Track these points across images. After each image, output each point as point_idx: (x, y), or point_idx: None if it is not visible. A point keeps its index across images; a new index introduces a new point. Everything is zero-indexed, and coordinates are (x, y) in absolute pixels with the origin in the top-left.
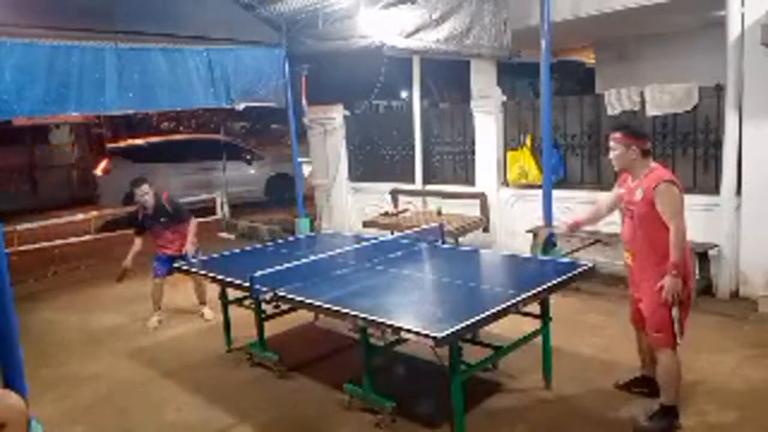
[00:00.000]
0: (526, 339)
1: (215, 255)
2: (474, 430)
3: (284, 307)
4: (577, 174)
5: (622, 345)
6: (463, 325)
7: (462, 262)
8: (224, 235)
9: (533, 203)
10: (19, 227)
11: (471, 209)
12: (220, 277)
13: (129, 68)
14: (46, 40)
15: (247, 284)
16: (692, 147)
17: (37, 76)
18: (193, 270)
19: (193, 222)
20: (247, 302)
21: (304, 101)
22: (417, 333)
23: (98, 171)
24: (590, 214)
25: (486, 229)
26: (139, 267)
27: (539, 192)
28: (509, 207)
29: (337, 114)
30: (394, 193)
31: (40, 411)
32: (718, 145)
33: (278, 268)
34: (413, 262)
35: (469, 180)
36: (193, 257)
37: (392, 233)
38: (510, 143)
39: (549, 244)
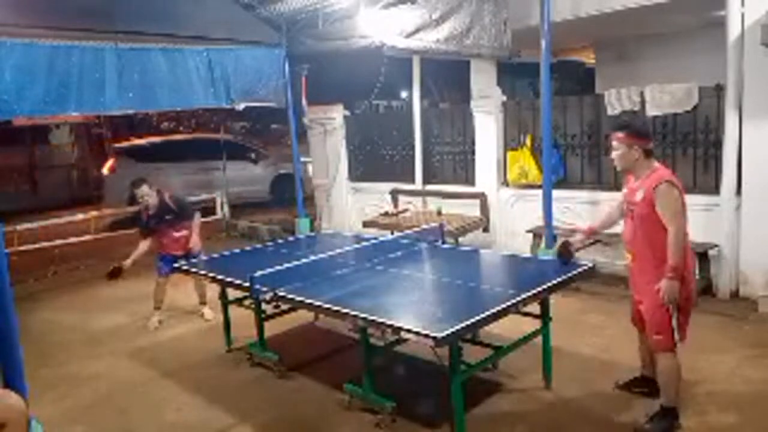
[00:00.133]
0: (526, 339)
1: (215, 255)
2: (474, 430)
3: (284, 307)
4: (577, 174)
5: (622, 345)
6: (463, 325)
7: (462, 262)
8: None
9: (533, 203)
10: (19, 227)
11: (471, 209)
12: (220, 277)
13: (129, 68)
14: (46, 40)
15: (247, 284)
16: (692, 147)
17: (37, 76)
18: (193, 270)
19: (198, 217)
20: (247, 302)
21: (304, 101)
22: (417, 333)
23: (104, 170)
24: (604, 218)
25: (486, 229)
26: (139, 266)
27: (539, 192)
28: (509, 207)
29: (337, 114)
30: (394, 193)
31: (40, 411)
32: (718, 145)
33: (278, 268)
34: (413, 262)
35: (469, 180)
36: (195, 257)
37: (392, 233)
38: (510, 143)
39: (568, 255)
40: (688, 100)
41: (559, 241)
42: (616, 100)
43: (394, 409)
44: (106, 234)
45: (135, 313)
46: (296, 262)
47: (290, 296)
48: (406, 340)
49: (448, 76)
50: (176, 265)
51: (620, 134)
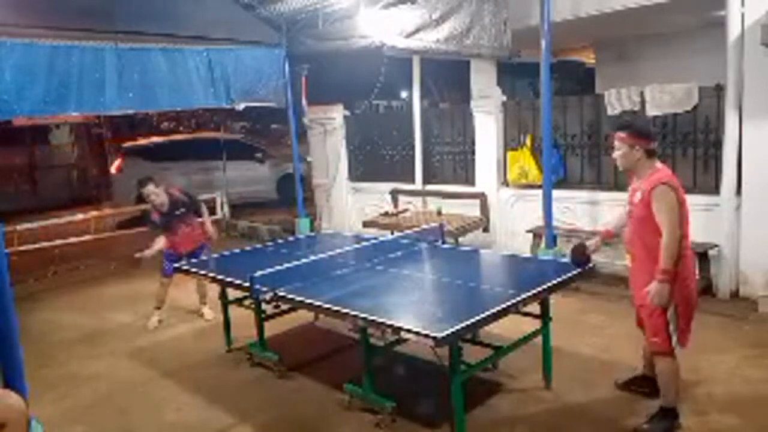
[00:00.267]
0: (526, 339)
1: (215, 255)
2: (474, 430)
3: (284, 307)
4: (577, 174)
5: (622, 345)
6: (463, 325)
7: (462, 262)
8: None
9: (533, 203)
10: (19, 227)
11: (471, 209)
12: (220, 277)
13: (129, 68)
14: (46, 40)
15: (247, 284)
16: (692, 147)
17: (37, 76)
18: (194, 270)
19: (205, 209)
20: (247, 302)
21: (304, 101)
22: (417, 333)
23: (112, 169)
24: (617, 220)
25: (486, 229)
26: (140, 266)
27: (539, 192)
28: (509, 207)
29: (337, 114)
30: (394, 193)
31: (40, 411)
32: (718, 145)
33: (278, 268)
34: (413, 262)
35: (469, 180)
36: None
37: (392, 233)
38: (510, 143)
39: (583, 258)
40: (688, 100)
41: (573, 243)
42: (616, 100)
43: (394, 409)
44: (107, 234)
45: (135, 313)
46: (296, 262)
47: (290, 296)
48: (406, 340)
49: (448, 76)
50: (176, 265)
51: (622, 134)
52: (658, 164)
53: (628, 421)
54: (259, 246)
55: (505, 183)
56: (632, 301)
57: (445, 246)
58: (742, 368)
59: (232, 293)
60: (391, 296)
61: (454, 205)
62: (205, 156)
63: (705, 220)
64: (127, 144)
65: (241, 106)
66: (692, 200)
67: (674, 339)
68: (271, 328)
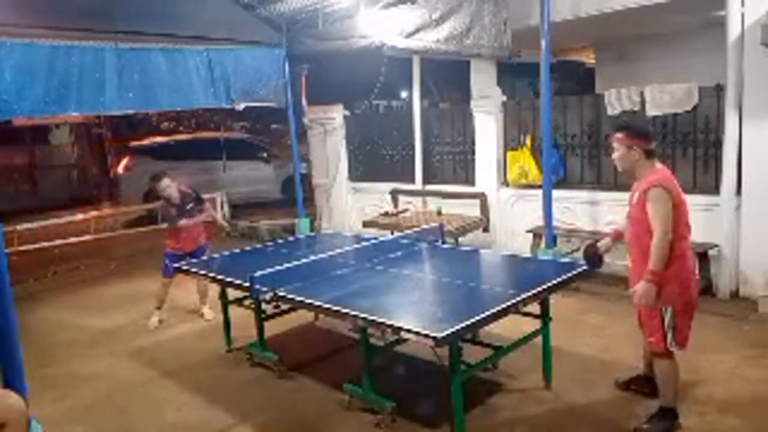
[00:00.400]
0: (526, 339)
1: (215, 255)
2: (474, 430)
3: (284, 307)
4: (577, 174)
5: (622, 345)
6: (463, 325)
7: (462, 262)
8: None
9: (533, 203)
10: (19, 227)
11: (471, 209)
12: (220, 277)
13: (129, 68)
14: (46, 40)
15: (247, 284)
16: (692, 147)
17: (37, 76)
18: (194, 270)
19: (209, 204)
20: (247, 302)
21: (304, 101)
22: (417, 333)
23: (120, 169)
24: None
25: (486, 229)
26: (140, 266)
27: (539, 192)
28: (509, 207)
29: (337, 114)
30: (394, 193)
31: (40, 411)
32: (718, 145)
33: (278, 268)
34: (413, 262)
35: (469, 180)
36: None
37: (392, 233)
38: (510, 143)
39: (596, 258)
40: (688, 100)
41: (585, 244)
42: (616, 100)
43: (394, 409)
44: (107, 234)
45: (135, 313)
46: (296, 262)
47: (290, 296)
48: (406, 340)
49: (448, 76)
50: (176, 265)
51: (620, 135)
52: (658, 165)
53: (628, 421)
54: (259, 246)
55: (505, 183)
56: (632, 300)
57: (445, 246)
58: (742, 368)
59: (232, 293)
60: (391, 296)
61: (454, 205)
62: (210, 156)
63: (705, 220)
64: (134, 143)
65: (241, 106)
66: (692, 200)
67: (670, 340)
68: (271, 328)
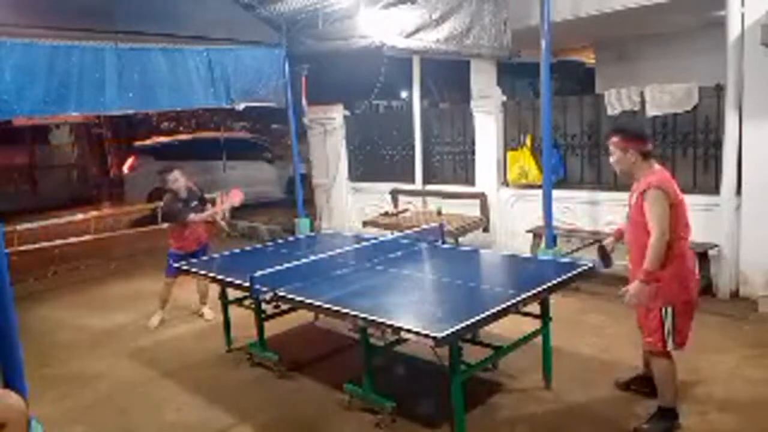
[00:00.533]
0: (526, 339)
1: (215, 255)
2: (474, 430)
3: (284, 307)
4: (577, 174)
5: (622, 345)
6: (463, 325)
7: (462, 262)
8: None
9: (533, 203)
10: (19, 227)
11: (471, 209)
12: (220, 277)
13: (129, 68)
14: (46, 40)
15: (247, 284)
16: (692, 147)
17: (37, 76)
18: (194, 270)
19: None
20: (247, 302)
21: (304, 101)
22: (417, 333)
23: (125, 168)
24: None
25: (486, 229)
26: (140, 266)
27: (539, 192)
28: (509, 207)
29: (337, 114)
30: (394, 193)
31: (40, 411)
32: (718, 145)
33: (278, 268)
34: (413, 262)
35: (469, 180)
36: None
37: (392, 233)
38: (510, 143)
39: (607, 258)
40: (688, 100)
41: (597, 245)
42: (616, 100)
43: (394, 409)
44: (107, 234)
45: (135, 313)
46: (296, 262)
47: (290, 296)
48: (406, 340)
49: (448, 76)
50: (176, 265)
51: (615, 139)
52: (656, 166)
53: (628, 421)
54: (259, 246)
55: (505, 183)
56: (624, 300)
57: (445, 246)
58: (742, 368)
59: (232, 293)
60: (391, 296)
61: (454, 205)
62: (214, 156)
63: (705, 220)
64: (139, 144)
65: (241, 106)
66: (692, 200)
67: (669, 340)
68: (271, 328)
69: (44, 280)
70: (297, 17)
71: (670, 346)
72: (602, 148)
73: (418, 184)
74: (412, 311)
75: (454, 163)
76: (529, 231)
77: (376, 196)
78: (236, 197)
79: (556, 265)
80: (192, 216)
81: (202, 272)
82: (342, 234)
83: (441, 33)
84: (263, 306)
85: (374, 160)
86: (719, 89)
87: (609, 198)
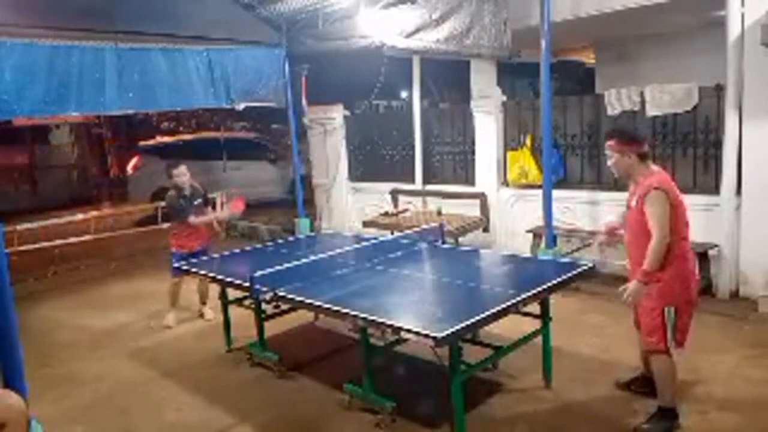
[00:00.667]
0: (526, 339)
1: (215, 255)
2: (474, 430)
3: (284, 307)
4: (577, 174)
5: (622, 345)
6: (463, 325)
7: (462, 262)
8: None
9: (533, 203)
10: (19, 227)
11: (471, 209)
12: (220, 277)
13: (129, 68)
14: (46, 40)
15: (247, 284)
16: (692, 147)
17: (37, 76)
18: (194, 270)
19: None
20: (247, 302)
21: (304, 101)
22: (417, 333)
23: (129, 168)
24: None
25: (486, 229)
26: (139, 266)
27: (539, 192)
28: (509, 207)
29: (337, 114)
30: (394, 193)
31: (40, 411)
32: (718, 145)
33: (278, 268)
34: (413, 262)
35: (469, 180)
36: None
37: (392, 233)
38: (510, 143)
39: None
40: (688, 100)
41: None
42: (616, 100)
43: (394, 409)
44: (107, 234)
45: (135, 313)
46: (296, 262)
47: (290, 296)
48: (406, 340)
49: (448, 76)
50: (176, 265)
51: (611, 142)
52: (653, 167)
53: (628, 420)
54: (259, 246)
55: (505, 183)
56: (622, 298)
57: (445, 246)
58: (742, 368)
59: (232, 293)
60: (391, 296)
61: (454, 205)
62: (216, 156)
63: (705, 220)
64: (143, 143)
65: (241, 106)
66: (692, 200)
67: (670, 339)
68: (271, 328)
69: (44, 280)
70: (297, 17)
71: (671, 345)
72: (602, 148)
73: (418, 184)
74: (412, 311)
75: (454, 163)
76: (529, 231)
77: (376, 196)
78: (239, 206)
79: (556, 265)
80: (192, 218)
81: (202, 272)
82: (342, 234)
83: (441, 33)
84: (263, 306)
85: (374, 160)
86: (719, 89)
87: (609, 198)
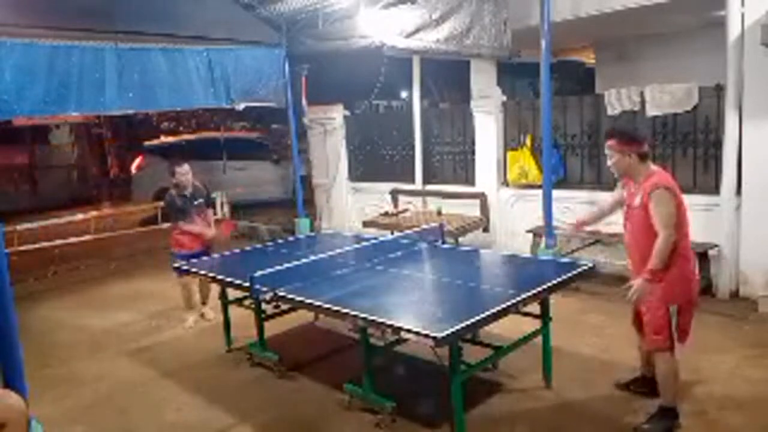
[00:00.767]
0: (526, 339)
1: (215, 255)
2: (474, 430)
3: (284, 307)
4: (577, 174)
5: (622, 345)
6: (463, 325)
7: (462, 262)
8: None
9: (533, 203)
10: (19, 227)
11: (471, 209)
12: (220, 277)
13: (129, 68)
14: (46, 40)
15: (247, 284)
16: (692, 147)
17: (37, 76)
18: (194, 270)
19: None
20: (247, 302)
21: (304, 101)
22: (417, 333)
23: (132, 168)
24: (593, 213)
25: (486, 229)
26: (139, 266)
27: (539, 192)
28: (509, 207)
29: (337, 114)
30: (394, 193)
31: (40, 411)
32: (718, 145)
33: (278, 268)
34: (413, 262)
35: (469, 180)
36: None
37: (392, 233)
38: (510, 143)
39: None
40: (688, 100)
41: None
42: (616, 100)
43: (394, 409)
44: (107, 234)
45: (135, 313)
46: (296, 262)
47: (290, 296)
48: (406, 340)
49: (448, 76)
50: (176, 265)
51: (611, 142)
52: (653, 167)
53: (628, 420)
54: (259, 246)
55: (505, 183)
56: (627, 296)
57: (445, 246)
58: (742, 368)
59: (233, 293)
60: (391, 296)
61: (454, 205)
62: (218, 156)
63: (705, 220)
64: (147, 143)
65: (241, 106)
66: (692, 200)
67: (675, 338)
68: (271, 328)
69: (44, 280)
70: (297, 17)
71: (675, 344)
72: (602, 148)
73: (418, 184)
74: (412, 311)
75: (454, 163)
76: (529, 231)
77: (376, 196)
78: (226, 233)
79: (556, 265)
80: (182, 223)
81: (203, 272)
82: (342, 234)
83: (441, 33)
84: (263, 306)
85: (374, 160)
86: (719, 89)
87: (609, 198)
